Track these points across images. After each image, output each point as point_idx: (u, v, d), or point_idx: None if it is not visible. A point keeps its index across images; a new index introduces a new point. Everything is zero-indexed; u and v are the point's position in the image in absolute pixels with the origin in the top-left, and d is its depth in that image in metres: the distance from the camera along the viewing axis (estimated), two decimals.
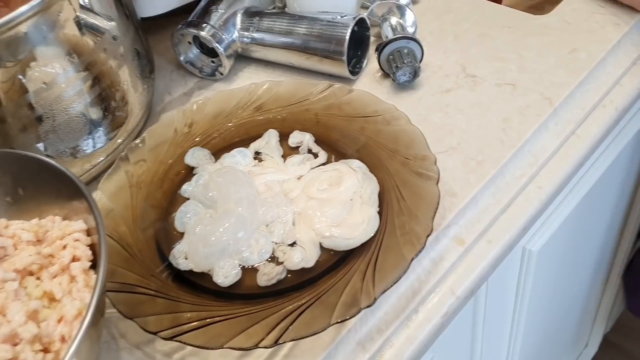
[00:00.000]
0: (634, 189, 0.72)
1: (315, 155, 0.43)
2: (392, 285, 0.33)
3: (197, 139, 0.45)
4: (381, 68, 0.47)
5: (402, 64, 0.45)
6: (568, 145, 0.44)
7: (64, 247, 0.33)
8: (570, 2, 0.52)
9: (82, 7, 0.40)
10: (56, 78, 0.39)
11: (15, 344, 0.28)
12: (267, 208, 0.39)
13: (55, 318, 0.29)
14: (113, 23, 0.43)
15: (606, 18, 0.50)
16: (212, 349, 0.32)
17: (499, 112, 0.44)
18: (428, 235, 0.35)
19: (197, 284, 0.37)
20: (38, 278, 0.31)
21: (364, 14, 0.49)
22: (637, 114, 0.58)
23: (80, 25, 0.40)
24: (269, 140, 0.44)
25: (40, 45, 0.38)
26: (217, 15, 0.51)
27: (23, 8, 0.35)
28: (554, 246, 0.54)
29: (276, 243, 0.38)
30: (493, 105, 0.45)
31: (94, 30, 0.41)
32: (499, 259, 0.40)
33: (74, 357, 0.25)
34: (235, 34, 0.51)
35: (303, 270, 0.36)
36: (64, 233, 0.33)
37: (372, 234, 0.37)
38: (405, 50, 0.45)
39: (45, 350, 0.29)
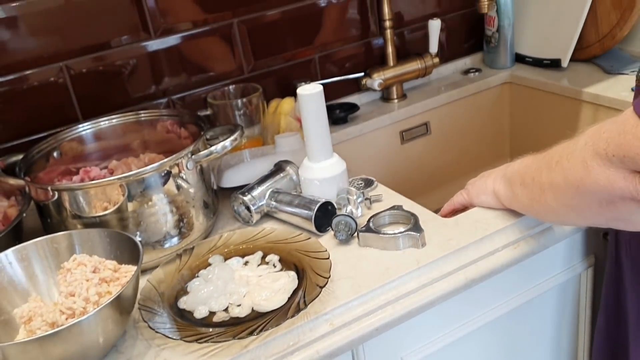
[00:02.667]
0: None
1: (275, 267, 0.75)
2: (267, 324, 0.63)
3: (221, 250, 0.80)
4: (332, 230, 0.79)
5: (338, 229, 0.77)
6: (423, 291, 0.71)
7: (125, 275, 0.68)
8: (472, 213, 0.81)
9: (177, 173, 0.79)
10: (154, 203, 0.78)
11: (87, 302, 0.62)
12: (234, 286, 0.71)
13: (107, 298, 0.63)
14: (193, 186, 0.81)
15: (488, 223, 0.78)
16: (174, 339, 0.64)
17: (386, 263, 0.73)
18: (300, 310, 0.64)
19: (185, 315, 0.69)
20: (108, 284, 0.66)
21: (334, 201, 0.83)
22: (537, 285, 0.83)
23: (174, 181, 0.79)
24: (255, 256, 0.77)
25: (150, 185, 0.77)
26: (257, 191, 0.88)
27: (147, 167, 0.75)
28: None
29: (230, 303, 0.69)
30: (386, 260, 0.74)
31: (180, 186, 0.80)
32: (354, 341, 0.66)
33: (103, 309, 0.59)
34: (264, 202, 0.87)
35: (238, 318, 0.67)
36: (127, 270, 0.68)
37: (277, 307, 0.67)
38: (343, 222, 0.78)
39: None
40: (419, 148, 1.23)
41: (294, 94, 1.12)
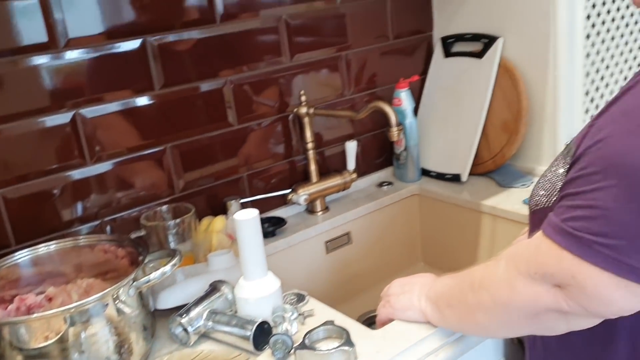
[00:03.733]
0: None
1: None
2: None
3: None
4: (270, 348, 0.85)
5: (276, 348, 0.83)
6: None
7: None
8: (397, 325, 0.89)
9: (119, 299, 0.82)
10: (96, 331, 0.80)
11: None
12: None
13: None
14: (134, 310, 0.85)
15: (411, 333, 0.86)
16: None
17: None
18: None
19: None
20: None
21: (269, 319, 0.89)
22: None
23: (115, 307, 0.82)
24: None
25: (94, 314, 0.79)
26: (194, 312, 0.92)
27: (91, 298, 0.78)
28: None
29: None
30: None
31: (122, 311, 0.83)
32: None
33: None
34: (201, 322, 0.91)
35: None
36: None
37: None
38: (280, 341, 0.83)
39: None
40: (342, 257, 1.32)
41: (224, 211, 1.19)
